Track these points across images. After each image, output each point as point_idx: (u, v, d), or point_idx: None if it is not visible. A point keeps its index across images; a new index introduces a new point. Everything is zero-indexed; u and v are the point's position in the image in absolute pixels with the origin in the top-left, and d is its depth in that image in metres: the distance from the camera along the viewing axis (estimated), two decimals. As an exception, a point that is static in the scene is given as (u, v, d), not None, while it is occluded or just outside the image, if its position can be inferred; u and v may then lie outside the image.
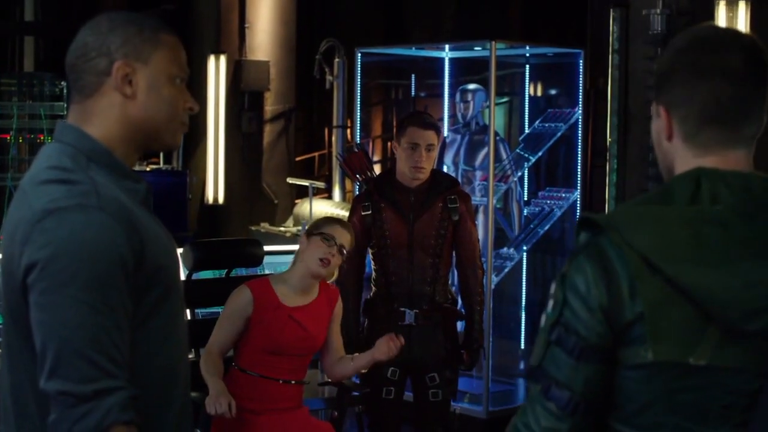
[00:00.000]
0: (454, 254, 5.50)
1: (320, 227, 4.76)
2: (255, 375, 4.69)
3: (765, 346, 1.93)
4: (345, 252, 4.73)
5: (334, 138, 10.58)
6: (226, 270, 5.40)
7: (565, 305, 1.97)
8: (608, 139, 7.38)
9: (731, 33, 2.09)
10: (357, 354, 4.94)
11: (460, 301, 5.60)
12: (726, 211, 1.93)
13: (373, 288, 5.46)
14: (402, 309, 5.36)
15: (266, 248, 5.54)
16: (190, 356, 5.07)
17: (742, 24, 6.12)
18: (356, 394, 5.51)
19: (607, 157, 7.18)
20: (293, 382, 4.76)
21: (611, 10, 6.94)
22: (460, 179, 8.06)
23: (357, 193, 6.32)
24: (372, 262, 5.46)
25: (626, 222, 1.94)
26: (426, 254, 5.33)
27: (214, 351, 4.67)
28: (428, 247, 5.33)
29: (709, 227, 1.92)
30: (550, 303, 2.01)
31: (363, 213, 5.37)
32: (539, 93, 11.51)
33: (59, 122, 2.48)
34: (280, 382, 4.72)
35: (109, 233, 2.26)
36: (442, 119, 8.80)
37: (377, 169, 11.63)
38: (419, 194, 5.33)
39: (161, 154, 13.12)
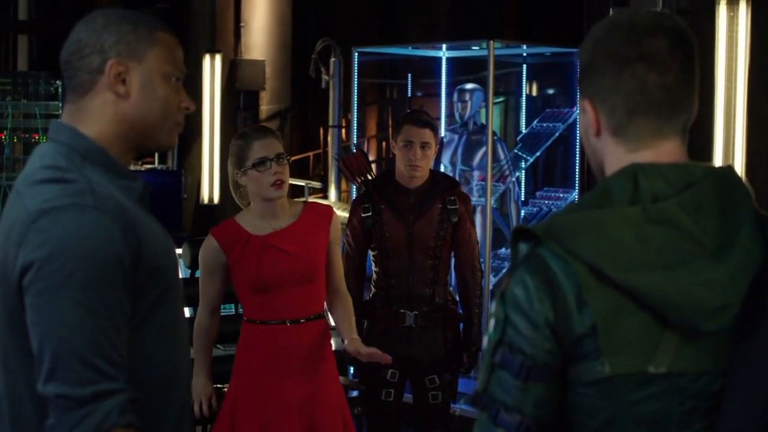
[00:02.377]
0: (452, 256, 5.45)
1: (243, 156, 4.42)
2: (259, 323, 4.45)
3: (723, 344, 1.85)
4: (284, 158, 4.41)
5: (329, 138, 10.56)
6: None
7: (507, 323, 1.85)
8: None
9: (652, 16, 1.94)
10: (355, 337, 4.58)
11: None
12: (670, 208, 1.83)
13: (373, 289, 5.43)
14: (402, 310, 5.33)
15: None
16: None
17: (743, 24, 6.07)
18: (355, 394, 5.47)
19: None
20: (302, 320, 4.44)
21: (611, 9, 6.89)
22: (457, 179, 8.01)
23: (355, 194, 6.28)
24: (372, 263, 5.42)
25: (566, 230, 1.82)
26: (426, 256, 5.31)
27: (202, 314, 4.55)
28: (428, 248, 5.30)
29: (654, 227, 1.81)
30: (492, 322, 1.89)
31: (363, 215, 5.35)
32: (537, 93, 11.48)
33: (53, 121, 2.44)
34: (287, 324, 4.43)
35: (105, 232, 2.22)
36: (439, 119, 8.77)
37: (375, 170, 11.59)
38: (418, 195, 5.30)
39: (156, 154, 13.07)
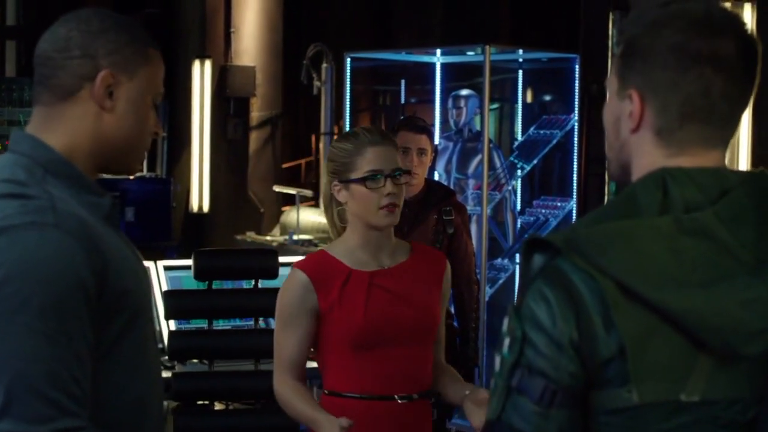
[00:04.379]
0: None
1: (349, 163, 3.35)
2: (354, 397, 3.31)
3: (759, 369, 1.69)
4: (402, 174, 3.37)
5: (321, 145, 10.54)
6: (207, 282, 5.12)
7: (525, 342, 1.66)
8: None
9: (726, 14, 1.76)
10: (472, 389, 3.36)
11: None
12: (706, 218, 1.65)
13: None
14: None
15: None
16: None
17: (749, 25, 5.93)
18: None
19: (606, 166, 6.98)
20: (415, 396, 3.34)
21: (610, 12, 6.75)
22: (452, 188, 7.90)
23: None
24: None
25: (590, 242, 1.65)
26: None
27: (282, 380, 3.36)
28: None
29: (688, 240, 1.64)
30: (506, 342, 1.69)
31: None
32: (533, 99, 11.41)
33: (14, 130, 2.25)
34: (397, 400, 3.32)
35: (67, 253, 2.04)
36: (433, 126, 8.68)
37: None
38: (413, 205, 5.13)
39: (145, 161, 12.96)
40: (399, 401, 3.30)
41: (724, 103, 1.72)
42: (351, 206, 3.36)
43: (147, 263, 5.48)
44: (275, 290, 5.03)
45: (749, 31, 1.75)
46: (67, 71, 2.21)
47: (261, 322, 5.00)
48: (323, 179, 3.49)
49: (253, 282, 5.44)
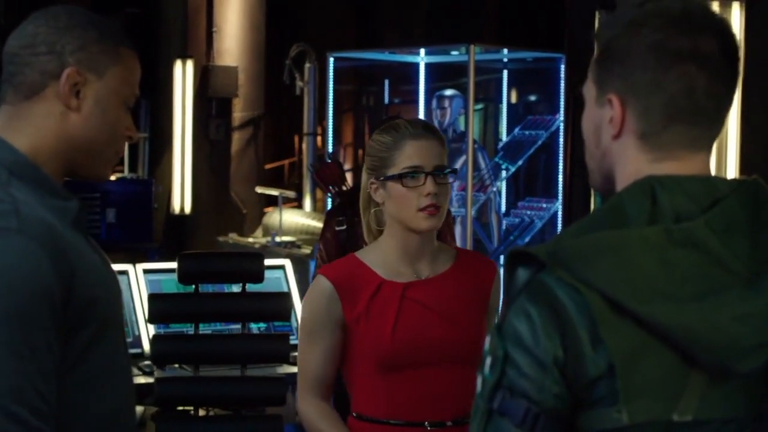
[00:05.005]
0: None
1: (386, 158, 3.00)
2: (379, 422, 2.95)
3: (754, 387, 1.60)
4: (447, 173, 3.00)
5: (304, 145, 10.52)
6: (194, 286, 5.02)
7: (506, 362, 1.57)
8: None
9: (706, 11, 1.68)
10: None
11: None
12: (697, 229, 1.57)
13: None
14: None
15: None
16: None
17: (737, 26, 5.87)
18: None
19: (588, 176, 6.93)
20: (449, 423, 2.94)
21: (597, 12, 6.67)
22: None
23: (330, 206, 6.05)
24: None
25: (576, 254, 1.55)
26: None
27: (306, 401, 3.04)
28: None
29: (679, 251, 1.55)
30: (487, 361, 1.60)
31: (337, 228, 5.07)
32: (518, 99, 11.40)
33: None
34: (427, 427, 2.93)
35: (31, 261, 1.94)
36: None
37: (348, 179, 11.39)
38: None
39: (126, 161, 12.90)
40: (429, 429, 2.92)
41: (709, 101, 1.64)
42: (388, 207, 3.00)
43: (125, 266, 5.50)
44: (263, 294, 5.02)
45: (729, 27, 1.67)
46: (33, 68, 2.12)
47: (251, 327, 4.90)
48: (365, 176, 3.10)
49: (234, 285, 5.39)
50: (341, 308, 2.94)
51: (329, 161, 5.77)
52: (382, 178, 2.98)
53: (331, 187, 5.57)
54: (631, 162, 1.66)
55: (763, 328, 1.56)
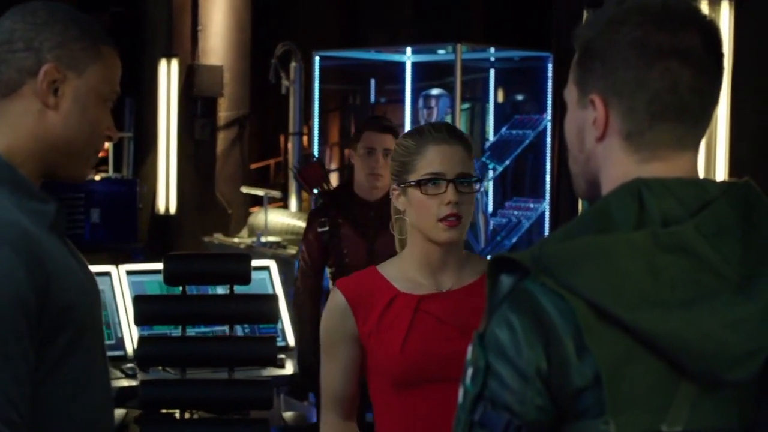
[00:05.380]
0: None
1: (408, 163, 2.84)
2: None
3: (747, 396, 1.56)
4: (472, 182, 2.83)
5: (290, 145, 10.46)
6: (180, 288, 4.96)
7: (488, 373, 1.53)
8: None
9: (687, 6, 1.64)
10: None
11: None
12: (685, 233, 1.52)
13: None
14: None
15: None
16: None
17: (726, 26, 5.84)
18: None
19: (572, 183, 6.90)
20: None
21: (584, 11, 6.63)
22: None
23: (314, 207, 6.00)
24: (330, 282, 5.08)
25: (561, 260, 1.51)
26: None
27: (332, 414, 2.94)
28: None
29: (667, 256, 1.50)
30: (469, 372, 1.55)
31: (319, 230, 5.02)
32: (505, 99, 11.37)
33: None
34: None
35: (4, 267, 1.89)
36: (403, 126, 8.74)
37: (334, 179, 11.37)
38: (380, 208, 4.96)
39: (110, 161, 12.84)
40: None
41: (694, 97, 1.60)
42: (409, 215, 2.85)
43: (108, 267, 5.44)
44: (252, 296, 4.97)
45: (711, 22, 1.63)
46: (10, 65, 2.07)
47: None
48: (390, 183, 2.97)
49: (219, 287, 5.33)
50: (355, 323, 2.81)
51: (313, 161, 5.70)
52: (403, 185, 2.84)
53: (313, 188, 5.52)
54: (616, 164, 1.62)
55: (755, 335, 1.51)
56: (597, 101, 1.61)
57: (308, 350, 4.99)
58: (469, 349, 1.57)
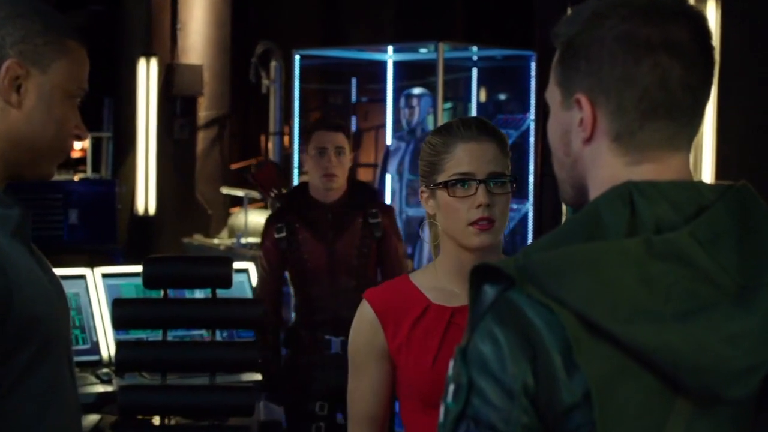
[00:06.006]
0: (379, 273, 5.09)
1: (435, 163, 2.64)
2: None
3: (746, 414, 1.47)
4: (507, 181, 2.67)
5: (270, 145, 10.34)
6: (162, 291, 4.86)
7: (471, 390, 1.44)
8: None
9: None
10: None
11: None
12: (681, 240, 1.43)
13: (294, 316, 5.05)
14: (327, 337, 4.92)
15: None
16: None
17: (712, 23, 5.79)
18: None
19: (559, 189, 6.85)
20: None
21: (568, 8, 6.58)
22: (404, 189, 7.78)
23: (270, 212, 5.93)
24: (291, 288, 5.04)
25: (548, 270, 1.42)
26: (349, 277, 4.91)
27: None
28: (351, 268, 4.92)
29: (661, 265, 1.41)
30: (450, 388, 1.46)
31: (276, 236, 4.94)
32: (487, 98, 11.32)
33: None
34: None
35: None
36: (384, 126, 8.64)
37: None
38: (336, 210, 4.90)
39: (89, 161, 12.75)
40: None
41: (685, 93, 1.51)
42: (439, 219, 2.63)
43: (83, 270, 5.34)
44: (234, 301, 4.89)
45: (700, 14, 1.55)
46: None
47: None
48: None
49: (197, 291, 5.25)
50: (384, 338, 2.63)
51: (267, 164, 5.62)
52: (431, 186, 2.63)
53: (268, 191, 5.44)
54: (605, 167, 1.53)
55: (755, 350, 1.42)
56: (583, 101, 1.53)
57: (270, 359, 4.95)
58: (451, 364, 1.48)
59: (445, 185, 2.57)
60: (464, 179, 2.56)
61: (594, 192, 1.53)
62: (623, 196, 1.47)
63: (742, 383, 1.42)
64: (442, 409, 1.47)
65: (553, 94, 1.59)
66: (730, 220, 1.47)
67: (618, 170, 1.51)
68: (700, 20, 1.53)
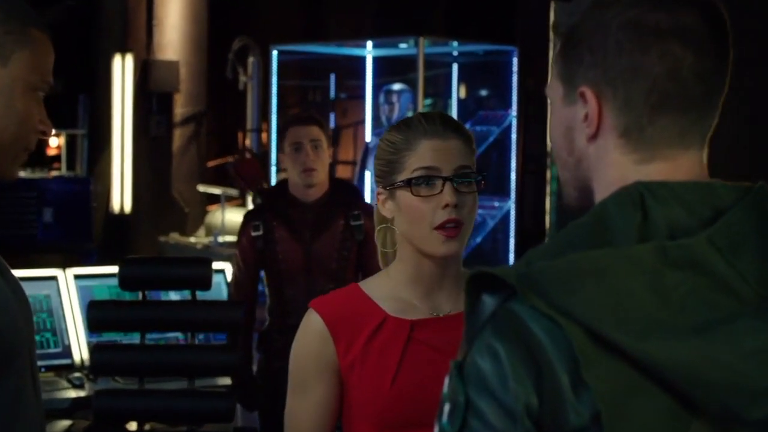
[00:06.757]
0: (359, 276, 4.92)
1: (394, 161, 2.37)
2: None
3: None
4: (474, 178, 2.36)
5: (247, 142, 10.22)
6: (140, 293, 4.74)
7: (469, 410, 1.32)
8: (549, 144, 6.99)
9: None
10: None
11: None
12: (698, 247, 1.31)
13: (268, 318, 4.90)
14: None
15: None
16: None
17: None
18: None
19: (547, 164, 6.74)
20: None
21: (551, 2, 6.49)
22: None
23: (251, 206, 5.81)
24: (266, 288, 4.89)
25: (553, 279, 1.31)
26: (327, 279, 4.73)
27: None
28: (329, 271, 4.75)
29: (677, 274, 1.30)
30: (446, 408, 1.34)
31: (253, 234, 4.80)
32: (468, 94, 11.31)
33: None
34: None
35: None
36: (363, 122, 8.61)
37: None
38: (317, 210, 4.75)
39: (63, 159, 12.67)
40: None
41: (698, 84, 1.39)
42: (398, 223, 2.37)
43: (55, 271, 5.20)
44: (216, 303, 4.77)
45: (715, 1, 1.43)
46: None
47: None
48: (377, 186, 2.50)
49: (172, 292, 5.14)
50: (335, 353, 2.35)
51: (250, 157, 5.49)
52: (389, 186, 2.35)
53: (250, 185, 5.32)
54: (612, 166, 1.41)
55: None
56: (588, 94, 1.41)
57: (242, 363, 4.82)
58: (446, 381, 1.35)
59: (408, 184, 2.31)
60: (429, 176, 2.30)
61: (600, 193, 1.42)
62: (633, 197, 1.35)
63: (764, 403, 1.31)
64: (436, 430, 1.35)
65: (554, 88, 1.47)
66: (749, 225, 1.36)
67: (626, 169, 1.40)
68: (713, 4, 1.41)
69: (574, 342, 1.27)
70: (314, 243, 4.73)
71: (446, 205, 2.27)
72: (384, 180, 2.37)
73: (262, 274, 4.90)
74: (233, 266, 4.89)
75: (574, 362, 1.28)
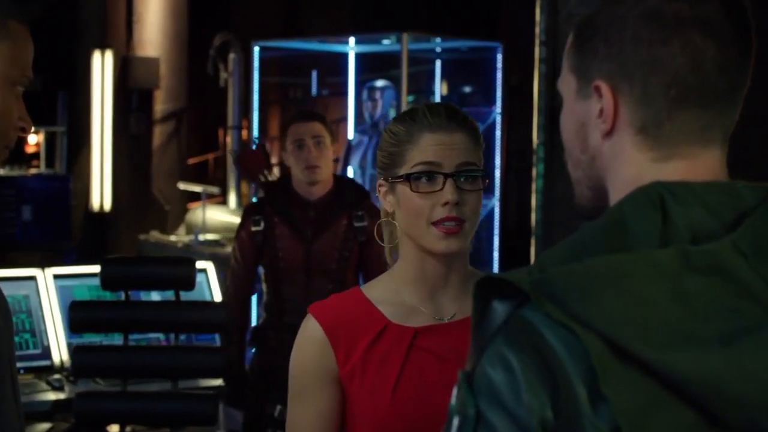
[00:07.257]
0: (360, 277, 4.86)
1: (396, 154, 2.29)
2: None
3: None
4: (479, 174, 2.27)
5: (228, 139, 10.21)
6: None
7: (479, 424, 1.25)
8: (534, 141, 6.90)
9: None
10: None
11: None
12: (723, 252, 1.25)
13: (264, 314, 4.84)
14: None
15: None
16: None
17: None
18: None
19: (534, 161, 6.66)
20: None
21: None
22: (367, 185, 7.61)
23: (255, 198, 5.72)
24: (263, 284, 4.83)
25: (569, 286, 1.24)
26: (326, 279, 4.68)
27: None
28: (329, 271, 4.70)
29: (700, 280, 1.24)
30: (455, 422, 1.26)
31: (253, 228, 4.73)
32: (452, 91, 11.27)
33: None
34: None
35: None
36: (346, 119, 8.67)
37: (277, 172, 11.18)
38: (320, 208, 4.68)
39: (42, 156, 12.59)
40: None
41: (720, 77, 1.32)
42: (398, 219, 2.28)
43: (34, 271, 5.11)
44: (200, 304, 4.71)
45: None
46: None
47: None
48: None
49: (153, 293, 5.08)
50: (335, 361, 2.27)
51: (254, 147, 5.42)
52: (390, 179, 2.29)
53: (254, 176, 5.25)
54: (629, 164, 1.34)
55: None
56: (603, 88, 1.34)
57: (236, 360, 4.79)
58: (454, 392, 1.27)
59: (407, 178, 2.24)
60: (430, 171, 2.23)
61: (616, 194, 1.34)
62: (653, 198, 1.28)
63: None
64: None
65: (567, 82, 1.40)
66: None
67: (644, 168, 1.33)
68: None
69: (591, 352, 1.21)
70: (315, 242, 4.66)
71: (446, 203, 2.20)
72: (385, 172, 2.30)
73: (260, 270, 4.84)
74: (231, 260, 4.82)
75: (592, 374, 1.21)
